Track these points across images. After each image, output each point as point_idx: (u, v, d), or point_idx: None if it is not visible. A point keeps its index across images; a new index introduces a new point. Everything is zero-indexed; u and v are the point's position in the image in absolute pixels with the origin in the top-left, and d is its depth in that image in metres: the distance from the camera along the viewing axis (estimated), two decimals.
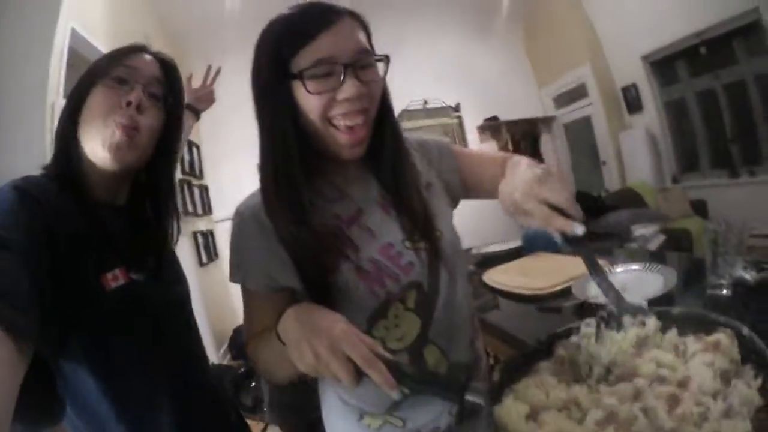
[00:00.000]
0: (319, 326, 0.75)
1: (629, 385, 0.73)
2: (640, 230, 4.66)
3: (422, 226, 1.01)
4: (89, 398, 0.92)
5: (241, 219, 0.97)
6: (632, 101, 5.92)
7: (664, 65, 5.64)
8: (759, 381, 0.67)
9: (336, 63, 0.84)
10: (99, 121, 0.93)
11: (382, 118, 0.97)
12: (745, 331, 0.75)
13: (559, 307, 1.58)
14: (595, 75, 6.03)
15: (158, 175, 1.08)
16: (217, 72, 1.68)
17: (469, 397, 0.69)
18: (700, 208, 5.53)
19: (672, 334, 0.82)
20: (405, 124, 5.92)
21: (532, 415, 0.70)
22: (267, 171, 0.93)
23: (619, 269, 1.68)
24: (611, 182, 6.31)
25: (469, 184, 1.14)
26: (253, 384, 2.84)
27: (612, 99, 6.03)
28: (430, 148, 1.15)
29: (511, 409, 0.70)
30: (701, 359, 0.73)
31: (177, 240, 1.16)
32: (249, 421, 1.40)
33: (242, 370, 3.03)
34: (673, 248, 4.18)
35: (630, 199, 5.32)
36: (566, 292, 1.61)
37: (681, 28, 5.13)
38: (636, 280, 1.56)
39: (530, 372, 0.79)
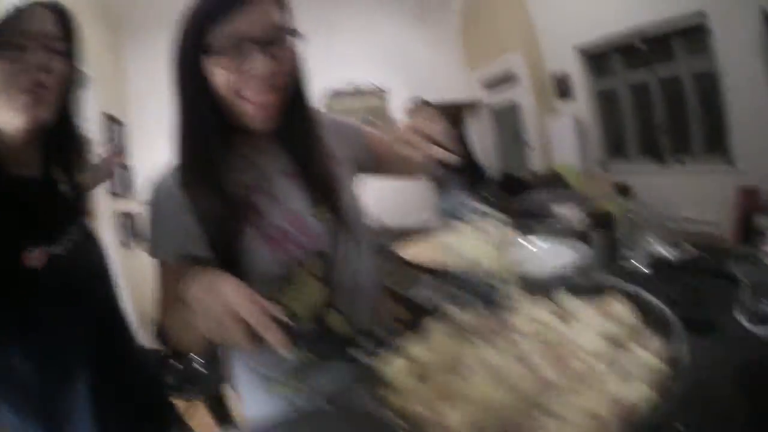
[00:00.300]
0: (218, 291, 0.75)
1: (512, 343, 0.76)
2: (563, 210, 4.82)
3: (329, 197, 1.06)
4: (11, 369, 0.94)
5: (155, 192, 1.01)
6: (563, 89, 6.03)
7: (598, 57, 5.77)
8: (662, 346, 0.69)
9: (247, 40, 0.87)
10: (3, 94, 0.89)
11: (295, 93, 1.00)
12: (646, 295, 0.79)
13: None
14: (527, 62, 6.11)
15: (68, 132, 1.07)
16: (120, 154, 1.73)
17: (358, 355, 0.75)
18: (624, 192, 5.67)
19: (562, 297, 0.86)
20: (333, 106, 5.91)
21: (421, 375, 0.73)
22: (180, 143, 0.97)
23: (534, 241, 1.74)
24: (537, 166, 6.44)
25: (379, 162, 1.20)
26: (178, 363, 2.81)
27: (542, 86, 6.12)
28: (344, 126, 1.21)
29: (400, 368, 0.73)
30: (589, 322, 0.77)
31: (92, 210, 1.16)
32: (176, 401, 1.41)
33: (166, 349, 2.98)
34: (597, 227, 4.29)
35: (554, 181, 5.47)
36: None
37: (620, 24, 5.24)
38: (548, 252, 1.63)
39: (420, 332, 0.83)
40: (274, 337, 0.71)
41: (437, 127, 0.90)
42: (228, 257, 0.97)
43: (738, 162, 4.60)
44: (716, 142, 4.80)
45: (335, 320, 1.08)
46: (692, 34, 4.68)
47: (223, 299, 0.74)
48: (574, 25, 5.63)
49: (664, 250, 1.57)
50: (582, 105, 5.91)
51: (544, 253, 1.62)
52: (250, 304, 0.73)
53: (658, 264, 1.53)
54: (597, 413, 0.60)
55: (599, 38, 5.49)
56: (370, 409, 0.66)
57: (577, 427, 0.59)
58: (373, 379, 0.73)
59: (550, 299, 0.88)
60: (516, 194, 5.23)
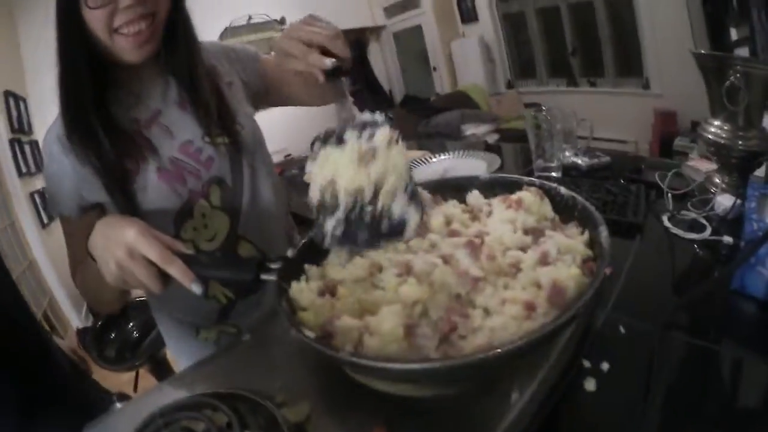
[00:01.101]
0: (117, 233, 0.72)
1: (423, 240, 0.76)
2: (471, 129, 4.89)
3: (222, 122, 1.03)
4: None
5: (46, 149, 0.97)
6: (466, 12, 6.02)
7: None
8: (586, 235, 0.70)
9: None
10: None
11: (174, 18, 0.96)
12: (563, 190, 0.82)
13: None
14: None
15: None
16: None
17: (265, 277, 0.72)
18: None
19: (473, 195, 0.87)
20: (229, 41, 5.62)
21: (329, 290, 0.72)
22: (62, 90, 0.92)
23: (442, 156, 1.76)
24: (443, 88, 6.47)
25: (273, 88, 1.16)
26: (113, 335, 2.69)
27: (446, 9, 6.10)
28: (236, 51, 1.17)
29: (303, 287, 0.73)
30: (501, 216, 0.78)
31: None
32: (116, 373, 1.56)
33: (99, 323, 2.85)
34: (509, 143, 4.42)
35: (460, 101, 5.52)
36: None
37: None
38: (458, 164, 1.66)
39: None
40: (178, 271, 0.69)
41: (320, 31, 0.80)
42: (124, 197, 0.94)
43: (653, 86, 4.80)
44: (630, 65, 4.98)
45: (246, 250, 1.07)
46: None
47: (122, 240, 0.70)
48: None
49: (574, 157, 1.60)
50: (487, 27, 5.90)
51: (456, 165, 1.64)
52: (149, 240, 0.70)
53: (570, 169, 1.56)
54: (527, 301, 0.60)
55: None
56: (290, 333, 0.64)
57: (509, 317, 0.59)
58: (289, 302, 0.71)
59: (464, 201, 0.90)
60: (423, 115, 5.24)
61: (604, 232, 0.69)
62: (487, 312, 0.62)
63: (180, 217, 1.00)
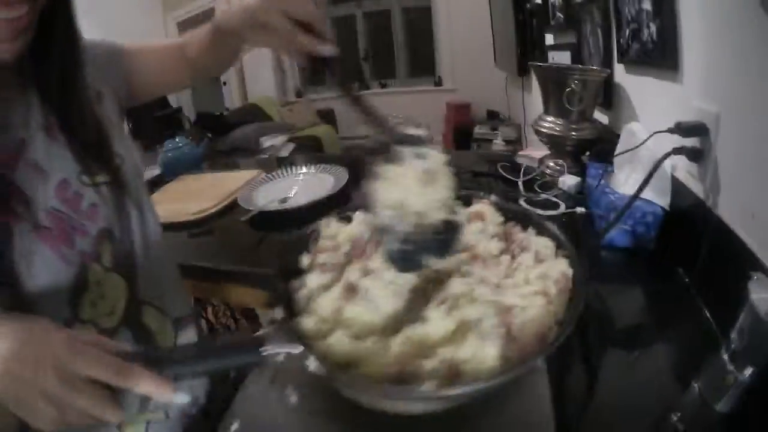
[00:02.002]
0: (29, 363, 0.48)
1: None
2: (269, 141, 4.97)
3: (98, 152, 0.78)
4: None
5: None
6: None
7: None
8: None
9: None
10: None
11: (53, 11, 0.68)
12: (493, 198, 0.89)
13: (210, 229, 1.49)
14: None
15: None
16: None
17: (270, 350, 0.56)
18: (328, 116, 6.12)
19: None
20: None
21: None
22: None
23: (287, 174, 1.75)
24: (233, 102, 6.39)
25: (138, 85, 0.94)
26: None
27: None
28: (99, 50, 0.88)
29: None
30: (471, 229, 0.80)
31: None
32: None
33: None
34: (304, 152, 4.52)
35: (253, 114, 5.52)
36: (231, 208, 1.58)
37: None
38: (307, 182, 1.67)
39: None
40: (150, 382, 0.50)
41: (310, 8, 0.68)
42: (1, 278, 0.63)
43: (445, 83, 5.37)
44: (423, 66, 5.49)
45: (152, 317, 0.84)
46: None
47: (45, 367, 0.47)
48: None
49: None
50: None
51: (305, 183, 1.68)
52: (89, 353, 0.49)
53: None
54: (544, 291, 0.66)
55: None
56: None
57: (538, 307, 0.64)
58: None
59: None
60: (220, 134, 5.17)
61: (552, 227, 0.79)
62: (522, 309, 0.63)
63: (75, 292, 0.71)
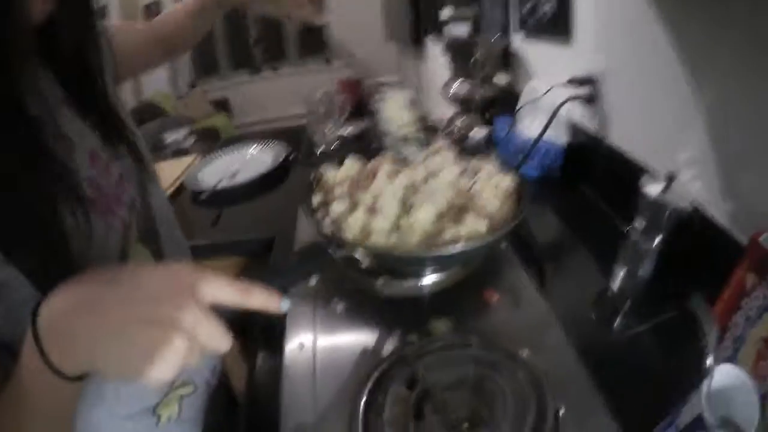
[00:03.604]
0: (163, 293, 0.42)
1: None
2: (171, 136, 4.91)
3: (114, 125, 0.74)
4: None
5: None
6: (150, 16, 5.73)
7: None
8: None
9: None
10: None
11: None
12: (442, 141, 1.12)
13: None
14: None
15: None
16: None
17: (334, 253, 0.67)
18: (222, 105, 6.07)
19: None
20: None
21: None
22: None
23: (237, 153, 1.84)
24: (126, 98, 6.20)
25: (120, 65, 0.89)
26: None
27: (129, 15, 5.84)
28: None
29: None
30: (436, 159, 1.03)
31: None
32: None
33: None
34: (205, 143, 4.60)
35: (151, 110, 5.38)
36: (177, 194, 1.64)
37: None
38: (249, 161, 1.77)
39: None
40: (261, 296, 0.48)
41: None
42: (50, 256, 0.55)
43: (335, 61, 5.49)
44: (313, 46, 5.64)
45: None
46: None
47: (178, 295, 0.42)
48: None
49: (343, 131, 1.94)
50: None
51: (252, 159, 1.79)
52: (211, 275, 0.44)
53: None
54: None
55: None
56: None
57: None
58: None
59: None
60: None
61: (491, 155, 1.06)
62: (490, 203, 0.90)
63: (119, 263, 0.68)
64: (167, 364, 0.39)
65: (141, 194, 0.77)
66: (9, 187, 0.50)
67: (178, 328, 0.39)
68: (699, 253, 0.81)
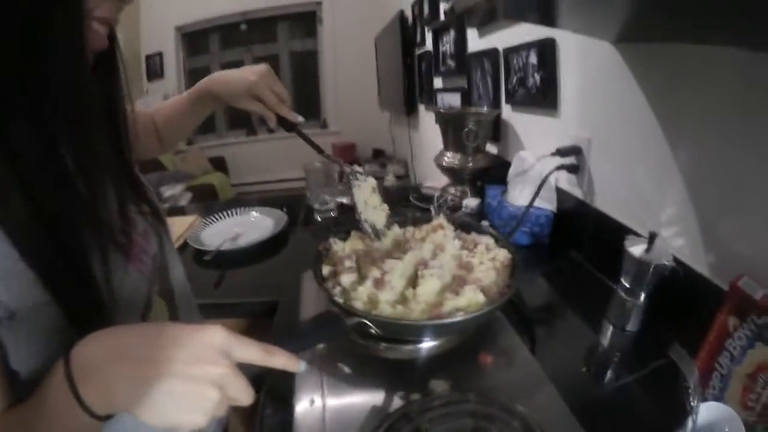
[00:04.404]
0: (191, 350, 0.46)
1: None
2: (168, 191, 4.93)
3: (135, 186, 0.76)
4: None
5: None
6: (153, 68, 5.96)
7: (196, 36, 5.96)
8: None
9: None
10: None
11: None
12: (443, 216, 1.17)
13: None
14: (125, 44, 5.83)
15: None
16: None
17: (350, 321, 0.74)
18: (219, 163, 6.14)
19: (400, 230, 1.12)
20: None
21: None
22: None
23: (238, 216, 1.87)
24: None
25: None
26: None
27: (133, 67, 5.96)
28: None
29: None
30: (438, 234, 1.08)
31: None
32: None
33: None
34: (201, 200, 4.74)
35: (150, 164, 5.41)
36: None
37: (225, 6, 5.62)
38: (250, 224, 1.79)
39: None
40: (283, 358, 0.53)
41: (286, 92, 0.98)
42: (90, 290, 0.56)
43: (330, 125, 5.60)
44: (309, 110, 5.84)
45: None
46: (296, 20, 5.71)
47: (207, 351, 0.47)
48: (176, 5, 5.70)
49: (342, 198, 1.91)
50: (172, 83, 5.97)
51: (248, 224, 1.80)
52: (237, 336, 0.50)
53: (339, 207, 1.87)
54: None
55: (201, 18, 5.77)
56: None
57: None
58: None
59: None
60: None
61: (490, 229, 1.10)
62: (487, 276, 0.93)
63: (144, 311, 0.69)
64: (203, 414, 0.46)
65: (161, 248, 0.79)
66: (55, 228, 0.52)
67: (214, 383, 0.46)
68: (683, 303, 0.88)
